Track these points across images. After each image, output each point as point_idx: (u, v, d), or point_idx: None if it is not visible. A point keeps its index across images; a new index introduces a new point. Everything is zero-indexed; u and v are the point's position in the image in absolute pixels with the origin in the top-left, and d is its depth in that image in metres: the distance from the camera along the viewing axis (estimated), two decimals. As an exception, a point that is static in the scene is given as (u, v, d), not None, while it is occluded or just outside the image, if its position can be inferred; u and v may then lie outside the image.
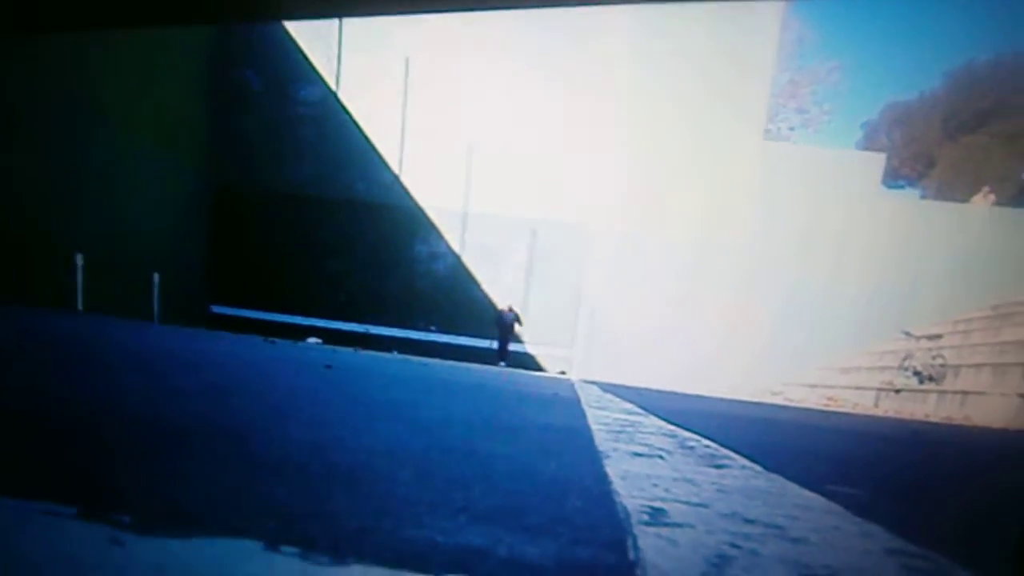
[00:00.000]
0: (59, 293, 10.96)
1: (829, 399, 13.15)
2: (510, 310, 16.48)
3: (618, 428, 3.22)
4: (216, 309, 16.98)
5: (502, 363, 15.92)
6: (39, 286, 10.51)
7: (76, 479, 1.20)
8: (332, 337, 15.99)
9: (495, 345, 16.50)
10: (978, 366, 12.00)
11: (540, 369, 16.18)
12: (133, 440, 1.60)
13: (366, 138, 16.70)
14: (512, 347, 16.38)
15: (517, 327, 16.56)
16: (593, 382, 10.10)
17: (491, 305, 16.51)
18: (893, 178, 31.89)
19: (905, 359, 13.48)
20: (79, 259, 11.21)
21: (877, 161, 17.21)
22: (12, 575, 0.75)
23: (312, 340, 14.77)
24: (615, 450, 2.39)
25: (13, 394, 2.07)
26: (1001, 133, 29.69)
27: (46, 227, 10.62)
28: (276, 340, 11.44)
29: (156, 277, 13.78)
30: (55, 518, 0.96)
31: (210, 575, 0.82)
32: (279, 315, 16.78)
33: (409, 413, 2.90)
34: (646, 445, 2.65)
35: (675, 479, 1.90)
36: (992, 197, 20.60)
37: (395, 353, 13.98)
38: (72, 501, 1.03)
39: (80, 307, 11.20)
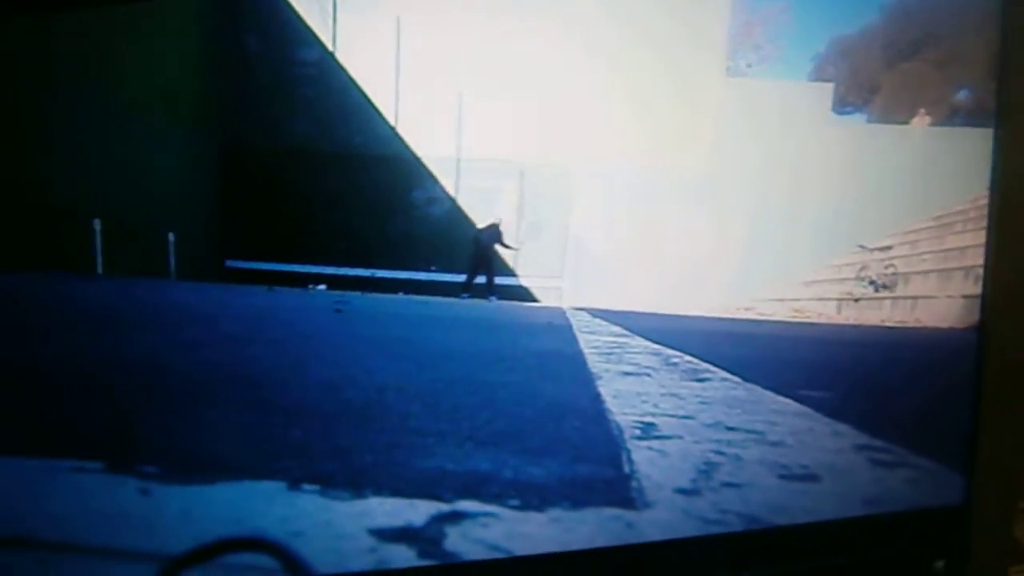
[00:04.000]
0: (78, 259, 10.81)
1: (796, 311, 13.28)
2: (491, 227, 13.03)
3: (608, 350, 3.22)
4: (231, 263, 16.84)
5: (492, 297, 12.41)
6: (59, 253, 10.34)
7: (102, 435, 1.17)
8: (341, 283, 15.95)
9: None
10: (925, 272, 12.11)
11: (534, 300, 16.21)
12: (155, 394, 1.57)
13: (363, 94, 16.36)
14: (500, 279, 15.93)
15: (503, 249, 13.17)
16: (583, 308, 10.13)
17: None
18: (842, 105, 31.80)
19: (861, 270, 13.57)
20: (96, 224, 11.03)
21: (826, 91, 17.08)
22: (45, 533, 0.73)
23: (320, 287, 14.71)
24: (606, 371, 2.38)
25: (37, 357, 2.03)
26: (933, 60, 29.60)
27: (63, 196, 10.39)
28: (276, 288, 11.27)
29: (171, 237, 13.59)
30: (83, 474, 0.93)
31: (236, 517, 0.80)
32: (290, 265, 16.68)
33: (415, 350, 2.88)
34: (634, 364, 2.65)
35: (662, 394, 1.89)
36: (927, 118, 20.47)
37: (401, 294, 13.94)
38: (98, 456, 1.01)
39: (99, 271, 11.07)
